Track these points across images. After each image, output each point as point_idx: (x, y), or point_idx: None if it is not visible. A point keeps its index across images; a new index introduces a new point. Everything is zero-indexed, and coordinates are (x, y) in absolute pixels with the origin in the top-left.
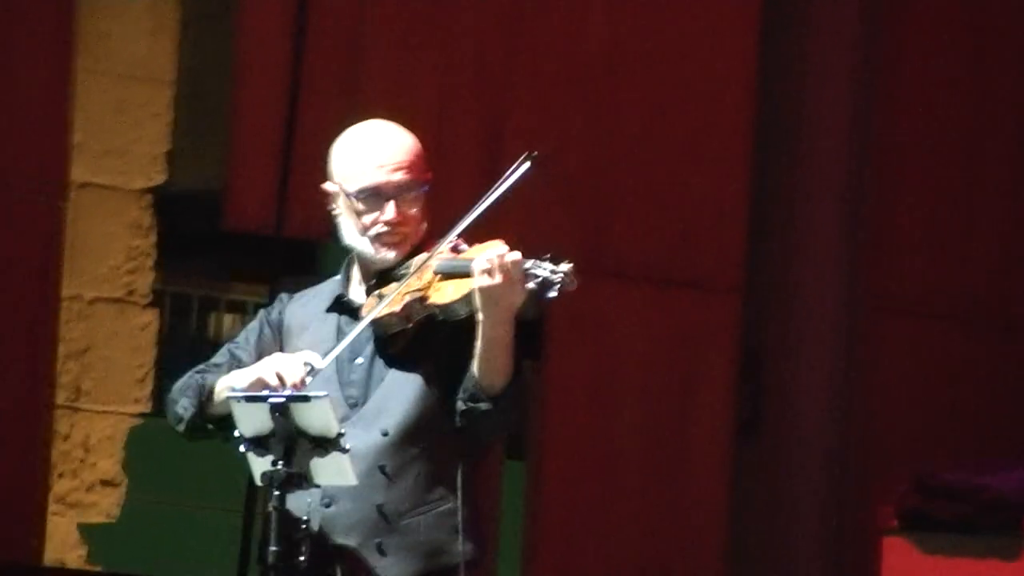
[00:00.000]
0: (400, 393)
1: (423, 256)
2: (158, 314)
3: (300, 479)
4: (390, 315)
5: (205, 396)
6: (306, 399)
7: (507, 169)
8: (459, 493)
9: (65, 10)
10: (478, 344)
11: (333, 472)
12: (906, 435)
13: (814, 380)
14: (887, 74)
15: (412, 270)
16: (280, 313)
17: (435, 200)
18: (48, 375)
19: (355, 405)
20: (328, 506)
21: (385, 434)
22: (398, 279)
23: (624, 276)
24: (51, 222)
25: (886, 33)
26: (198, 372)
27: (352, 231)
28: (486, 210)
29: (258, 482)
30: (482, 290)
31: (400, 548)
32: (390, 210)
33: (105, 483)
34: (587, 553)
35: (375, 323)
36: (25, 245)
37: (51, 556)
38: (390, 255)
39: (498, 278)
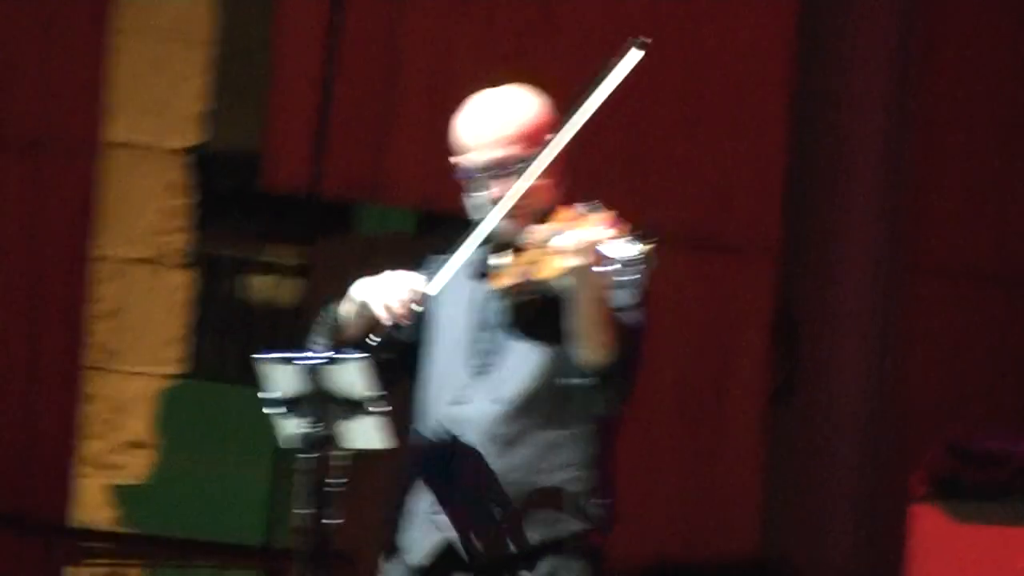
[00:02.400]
0: (521, 363)
1: (541, 228)
2: (192, 275)
3: (332, 442)
4: (506, 287)
5: (334, 329)
6: (340, 361)
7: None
8: (576, 463)
9: None
10: (574, 320)
11: (365, 435)
12: (942, 400)
13: (850, 344)
14: (928, 38)
15: (526, 241)
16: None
17: None
18: (80, 335)
19: (479, 374)
20: (447, 475)
21: (502, 403)
22: (518, 250)
23: (661, 239)
24: (87, 181)
25: (927, 3)
26: (325, 309)
27: (473, 203)
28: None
29: (283, 444)
30: (572, 269)
31: (515, 517)
32: (497, 186)
33: (135, 444)
34: (623, 517)
35: (499, 294)
36: (61, 204)
37: (80, 517)
38: (509, 226)
39: (584, 258)
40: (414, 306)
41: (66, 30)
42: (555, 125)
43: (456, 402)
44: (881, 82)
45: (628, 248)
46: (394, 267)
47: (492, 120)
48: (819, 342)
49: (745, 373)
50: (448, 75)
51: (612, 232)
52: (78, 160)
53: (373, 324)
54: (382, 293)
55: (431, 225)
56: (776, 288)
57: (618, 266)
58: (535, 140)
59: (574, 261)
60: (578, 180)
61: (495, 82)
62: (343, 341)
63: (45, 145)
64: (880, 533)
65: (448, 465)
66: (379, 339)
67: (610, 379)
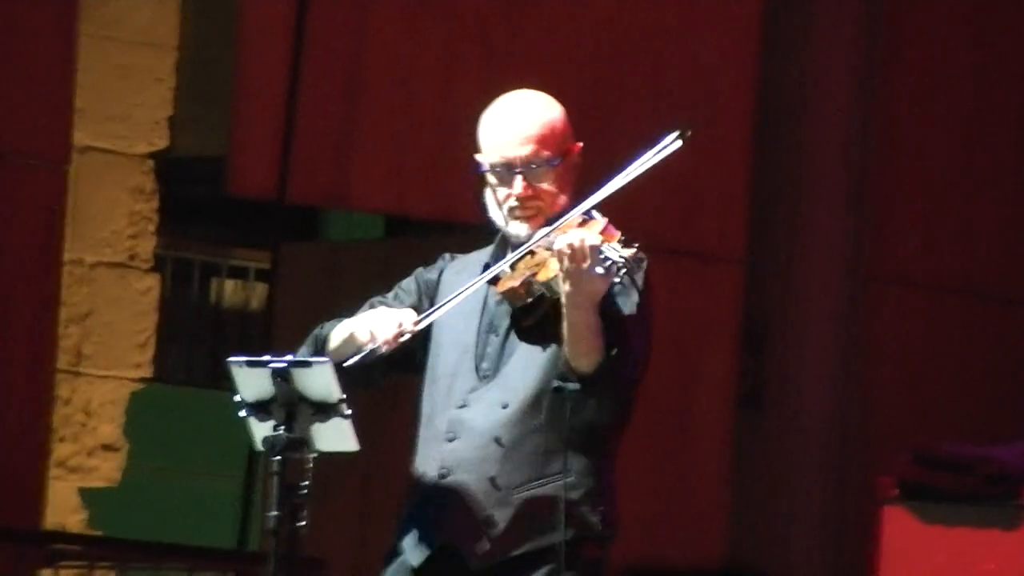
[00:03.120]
0: (525, 367)
1: (542, 231)
2: (160, 279)
3: (301, 444)
4: (512, 290)
5: (320, 345)
6: (307, 364)
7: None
8: (575, 469)
9: None
10: (564, 325)
11: (334, 437)
12: (907, 407)
13: (816, 352)
14: (891, 50)
15: (530, 245)
16: (440, 272)
17: (429, 169)
18: (51, 340)
19: (486, 378)
20: (444, 478)
21: (505, 407)
22: (525, 253)
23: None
24: (54, 186)
25: (890, 8)
26: (320, 326)
27: (492, 204)
28: (623, 184)
29: (258, 447)
30: (563, 272)
31: (511, 521)
32: (518, 184)
33: (106, 448)
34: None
35: (505, 297)
36: (28, 209)
37: (51, 520)
38: (521, 229)
39: (575, 262)
40: (402, 337)
41: (33, 36)
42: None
43: (462, 405)
44: (845, 93)
45: (620, 252)
46: (362, 273)
47: (522, 118)
48: (786, 348)
49: (712, 381)
50: (412, 80)
51: (605, 236)
52: (45, 165)
53: (357, 349)
54: (374, 321)
55: (399, 230)
56: (743, 295)
57: (610, 268)
58: (562, 143)
59: (567, 264)
60: None
61: (459, 90)
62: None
63: (13, 150)
64: (846, 538)
65: (450, 469)
66: (352, 365)
67: (599, 386)
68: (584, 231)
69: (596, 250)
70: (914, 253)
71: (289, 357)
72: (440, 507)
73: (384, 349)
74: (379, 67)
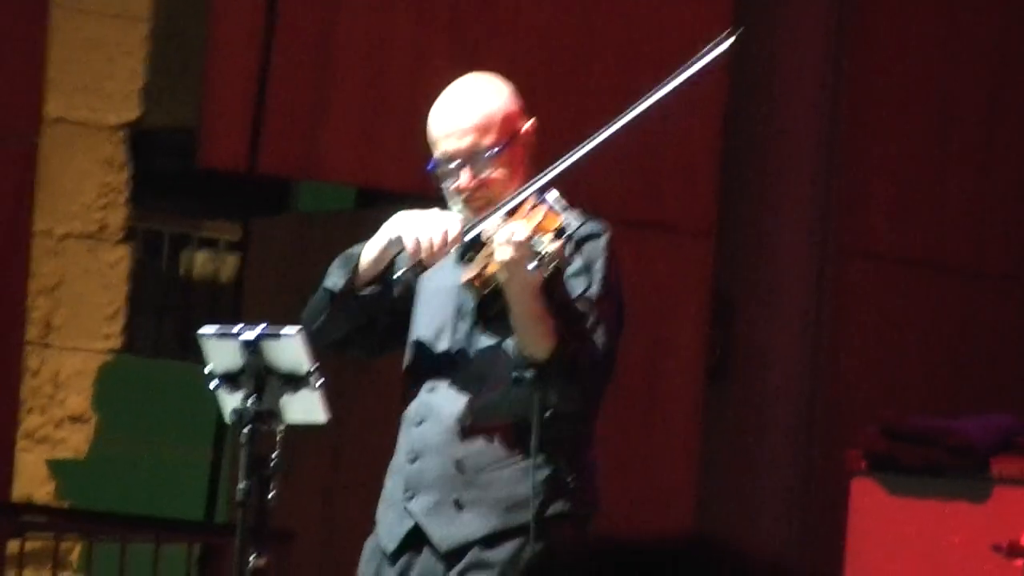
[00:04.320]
0: (490, 354)
1: (489, 218)
2: (130, 250)
3: (270, 416)
4: (470, 281)
5: (355, 264)
6: (276, 336)
7: None
8: (545, 451)
9: None
10: (511, 314)
11: (303, 409)
12: (875, 381)
13: (784, 326)
14: (861, 26)
15: (475, 230)
16: None
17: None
18: (19, 311)
19: (455, 362)
20: (413, 462)
21: (472, 392)
22: (484, 242)
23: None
24: (24, 158)
25: None
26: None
27: (448, 197)
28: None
29: (227, 419)
30: (500, 263)
31: (477, 503)
32: (464, 176)
33: (74, 419)
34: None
35: (466, 288)
36: None
37: (19, 491)
38: (473, 217)
39: (508, 252)
40: (450, 247)
41: (3, 7)
42: (522, 113)
43: (431, 388)
44: (816, 64)
45: (549, 244)
46: (332, 245)
47: (459, 110)
48: (754, 322)
49: (680, 353)
50: (383, 50)
51: (539, 229)
52: (14, 136)
53: (391, 264)
54: (419, 226)
55: (370, 201)
56: (711, 268)
57: (542, 260)
58: (506, 127)
59: (503, 255)
60: None
61: (430, 58)
62: (357, 282)
63: None
64: (815, 511)
65: (418, 453)
66: (399, 278)
67: (556, 374)
68: (514, 224)
69: (526, 243)
70: (883, 227)
71: (260, 329)
72: (410, 491)
73: (432, 260)
74: (350, 38)
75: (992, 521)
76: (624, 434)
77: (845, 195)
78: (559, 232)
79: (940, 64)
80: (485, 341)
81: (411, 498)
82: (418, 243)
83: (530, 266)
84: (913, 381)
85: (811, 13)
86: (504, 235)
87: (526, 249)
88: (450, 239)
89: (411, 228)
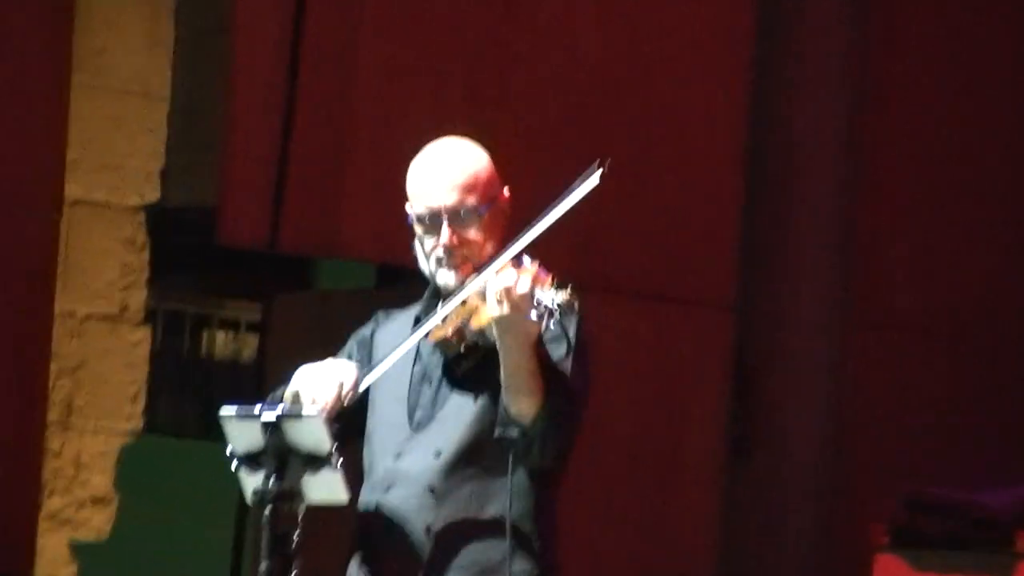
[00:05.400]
0: (458, 415)
1: (476, 279)
2: (151, 331)
3: (292, 496)
4: (445, 339)
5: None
6: (298, 416)
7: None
8: (513, 514)
9: (61, 25)
10: (502, 372)
11: (325, 489)
12: (896, 454)
13: (805, 398)
14: (879, 96)
15: (462, 293)
16: (373, 332)
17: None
18: (41, 392)
19: (420, 426)
20: (382, 527)
21: (438, 455)
22: (458, 302)
23: (616, 291)
24: (45, 238)
25: (875, 61)
26: (273, 389)
27: (420, 254)
28: (550, 224)
29: (248, 500)
30: (495, 319)
31: (448, 569)
32: (445, 233)
33: (96, 500)
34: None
35: (438, 347)
36: (19, 261)
37: (42, 573)
38: (450, 277)
39: (506, 307)
40: (344, 399)
41: (25, 86)
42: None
43: (398, 454)
44: (832, 137)
45: (553, 296)
46: (353, 323)
47: (448, 167)
48: (775, 395)
49: (701, 426)
50: (402, 129)
51: (537, 281)
52: (36, 216)
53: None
54: (314, 383)
55: (391, 279)
56: (732, 341)
57: (543, 313)
58: (488, 191)
59: (498, 310)
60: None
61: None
62: None
63: (4, 200)
64: None
65: (386, 520)
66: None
67: (541, 432)
68: (514, 276)
69: (529, 295)
70: (903, 300)
71: (280, 409)
72: (380, 556)
73: (324, 414)
74: (369, 116)
75: None
76: (645, 507)
77: (864, 268)
78: (560, 284)
79: (955, 139)
80: (451, 403)
81: (380, 564)
82: (314, 401)
83: (531, 316)
84: (934, 454)
85: (828, 85)
86: (502, 288)
87: (529, 300)
88: (344, 391)
89: (308, 386)
